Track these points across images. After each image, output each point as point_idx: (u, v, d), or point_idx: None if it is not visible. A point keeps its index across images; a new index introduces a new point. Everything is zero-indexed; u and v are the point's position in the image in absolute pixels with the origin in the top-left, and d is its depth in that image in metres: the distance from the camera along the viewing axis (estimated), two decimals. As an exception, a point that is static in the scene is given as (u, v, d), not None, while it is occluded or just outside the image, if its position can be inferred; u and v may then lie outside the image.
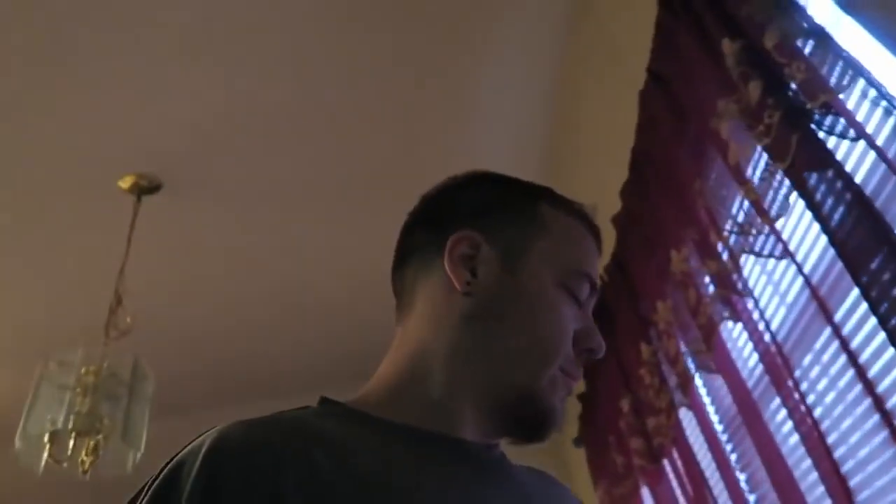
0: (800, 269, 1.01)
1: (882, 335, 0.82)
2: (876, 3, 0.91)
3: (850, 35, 0.92)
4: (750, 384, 1.25)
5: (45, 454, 1.70)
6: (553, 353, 0.62)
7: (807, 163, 0.89)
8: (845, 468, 0.97)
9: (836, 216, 0.86)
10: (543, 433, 0.62)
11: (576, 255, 0.66)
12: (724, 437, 1.43)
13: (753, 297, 1.14)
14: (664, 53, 1.31)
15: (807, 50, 0.89)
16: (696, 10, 1.14)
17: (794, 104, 0.90)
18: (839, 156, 0.88)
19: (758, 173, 1.04)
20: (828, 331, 0.99)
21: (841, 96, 0.85)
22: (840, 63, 0.85)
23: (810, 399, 1.04)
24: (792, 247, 1.05)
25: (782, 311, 1.15)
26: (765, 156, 1.02)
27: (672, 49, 1.27)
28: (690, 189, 1.28)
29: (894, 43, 0.87)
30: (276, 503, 0.48)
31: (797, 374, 1.06)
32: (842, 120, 0.85)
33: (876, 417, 0.90)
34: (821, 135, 0.88)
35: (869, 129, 0.86)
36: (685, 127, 1.28)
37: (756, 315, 1.14)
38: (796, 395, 1.04)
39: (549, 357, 0.62)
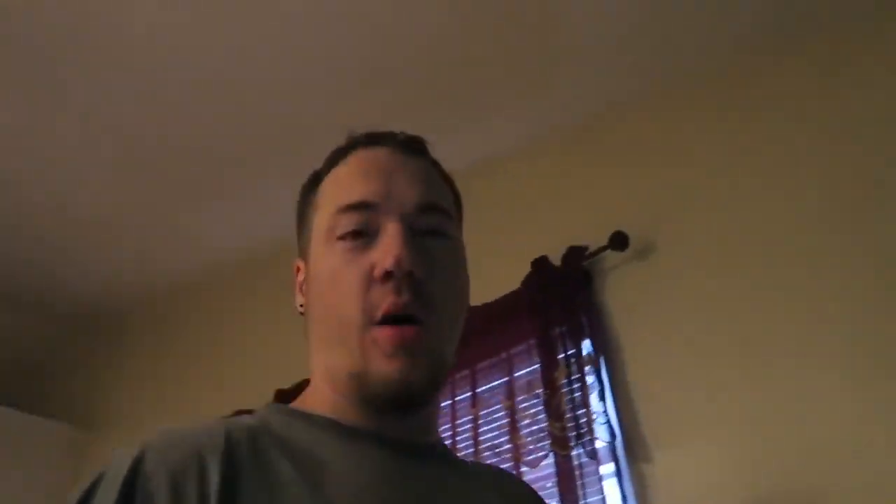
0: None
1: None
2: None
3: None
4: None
5: None
6: (339, 323, 0.58)
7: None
8: None
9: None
10: (396, 402, 0.57)
11: (335, 200, 0.63)
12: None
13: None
14: (503, 308, 1.98)
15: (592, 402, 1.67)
16: (547, 310, 1.85)
17: (580, 426, 1.66)
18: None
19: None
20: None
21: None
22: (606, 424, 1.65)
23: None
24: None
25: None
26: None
27: (510, 312, 1.95)
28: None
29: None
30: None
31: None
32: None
33: None
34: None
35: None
36: (488, 357, 1.95)
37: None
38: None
39: (340, 329, 0.58)
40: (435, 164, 0.71)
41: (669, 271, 1.81)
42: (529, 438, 1.75)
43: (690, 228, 1.83)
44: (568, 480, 1.62)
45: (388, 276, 0.56)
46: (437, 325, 0.59)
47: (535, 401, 1.79)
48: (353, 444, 0.58)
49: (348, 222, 0.60)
